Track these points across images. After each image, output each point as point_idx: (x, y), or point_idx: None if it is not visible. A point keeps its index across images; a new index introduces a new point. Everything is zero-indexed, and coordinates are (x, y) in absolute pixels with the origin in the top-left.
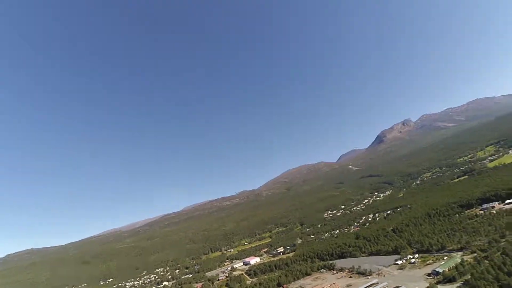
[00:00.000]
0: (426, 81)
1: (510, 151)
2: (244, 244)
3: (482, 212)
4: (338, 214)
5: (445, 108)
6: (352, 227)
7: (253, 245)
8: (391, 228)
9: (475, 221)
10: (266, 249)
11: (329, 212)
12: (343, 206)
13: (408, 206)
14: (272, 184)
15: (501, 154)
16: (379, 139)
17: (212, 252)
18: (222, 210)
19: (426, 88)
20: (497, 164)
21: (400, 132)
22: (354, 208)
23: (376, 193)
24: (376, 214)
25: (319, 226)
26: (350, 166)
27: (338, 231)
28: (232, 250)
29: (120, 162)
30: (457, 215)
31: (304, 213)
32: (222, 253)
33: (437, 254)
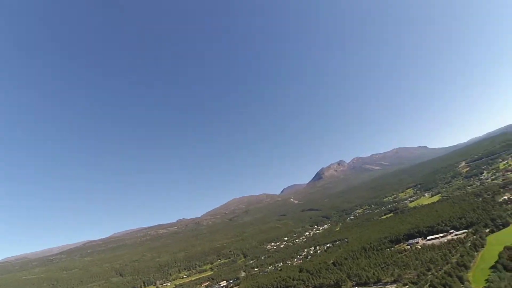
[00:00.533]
0: (358, 130)
1: (425, 194)
2: (183, 277)
3: (409, 247)
4: (282, 246)
5: (372, 154)
6: (295, 259)
7: (193, 278)
8: (332, 261)
9: (404, 255)
10: (207, 283)
11: (273, 243)
12: (286, 238)
13: (346, 240)
14: (213, 214)
15: (418, 196)
16: (318, 176)
17: (144, 286)
18: (157, 238)
19: (358, 136)
20: (416, 205)
21: (336, 171)
22: (297, 240)
23: (316, 226)
24: (317, 247)
25: (262, 258)
26: (292, 199)
27: (281, 263)
28: (168, 284)
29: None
30: (388, 249)
31: (247, 245)
32: (157, 287)
33: (374, 286)
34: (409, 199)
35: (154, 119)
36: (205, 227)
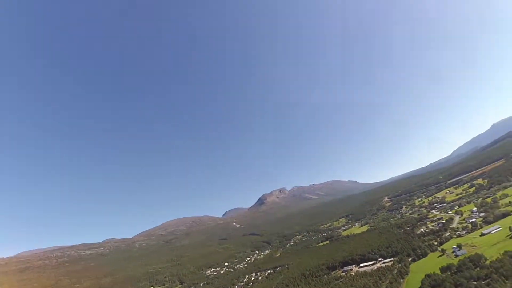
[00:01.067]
0: (298, 161)
1: (356, 224)
2: None
3: (344, 273)
4: (222, 271)
5: (311, 184)
6: (236, 286)
7: None
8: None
9: (341, 281)
10: None
11: (213, 269)
12: (226, 263)
13: (286, 266)
14: (148, 234)
15: (350, 225)
16: (261, 201)
17: None
18: (78, 260)
19: (298, 167)
20: (349, 233)
21: (278, 197)
22: (238, 265)
23: (257, 251)
24: (258, 273)
25: (201, 285)
26: (234, 223)
27: None
28: None
29: None
30: (325, 276)
31: (185, 270)
32: None
33: None
34: (342, 227)
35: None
36: (138, 249)
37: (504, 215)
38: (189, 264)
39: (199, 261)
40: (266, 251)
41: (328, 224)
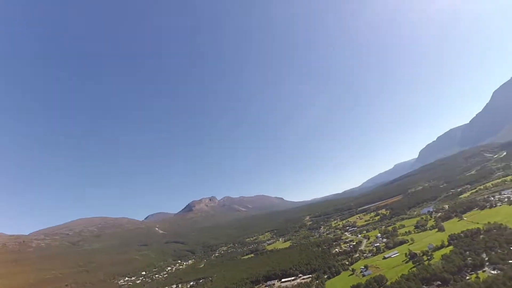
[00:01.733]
0: (231, 172)
1: (280, 239)
2: None
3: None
4: (138, 282)
5: (241, 196)
6: None
7: None
8: None
9: None
10: None
11: (127, 278)
12: (144, 273)
13: (210, 278)
14: (50, 233)
15: (274, 240)
16: (189, 208)
17: None
18: None
19: (231, 177)
20: (273, 248)
21: (207, 206)
22: (157, 275)
23: (179, 261)
24: (180, 285)
25: None
26: (157, 228)
27: None
28: None
29: None
30: None
31: (93, 278)
32: None
33: None
34: (267, 241)
35: None
36: (35, 249)
37: (401, 243)
38: (99, 271)
39: (111, 268)
40: (190, 261)
41: (254, 237)
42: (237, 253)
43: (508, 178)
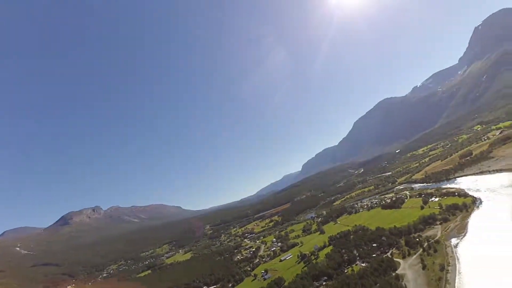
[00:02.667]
0: (119, 178)
1: (180, 251)
2: None
3: None
4: None
5: (132, 205)
6: None
7: None
8: None
9: None
10: None
11: None
12: None
13: None
14: None
15: (174, 252)
16: (64, 221)
17: None
18: None
19: (119, 184)
20: (173, 261)
21: (90, 217)
22: None
23: None
24: None
25: None
26: (18, 248)
27: None
28: None
29: None
30: None
31: None
32: None
33: None
34: (165, 255)
35: None
36: None
37: (293, 245)
38: None
39: None
40: (69, 287)
41: (150, 251)
42: (131, 271)
43: (366, 189)
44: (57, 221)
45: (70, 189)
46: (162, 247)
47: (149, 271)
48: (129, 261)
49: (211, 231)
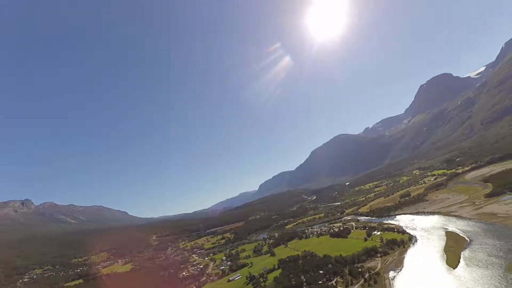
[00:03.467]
0: (58, 169)
1: (119, 261)
2: None
3: None
4: None
5: (70, 203)
6: None
7: None
8: None
9: None
10: None
11: None
12: None
13: None
14: None
15: (112, 261)
16: None
17: None
18: None
19: (56, 177)
20: (110, 271)
21: (17, 211)
22: None
23: None
24: None
25: None
26: None
27: None
28: None
29: None
30: None
31: None
32: None
33: None
34: (102, 263)
35: None
36: None
37: (243, 266)
38: None
39: None
40: None
41: (84, 258)
42: (59, 278)
43: (317, 216)
44: None
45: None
46: (99, 255)
47: (81, 280)
48: (57, 267)
49: (157, 242)
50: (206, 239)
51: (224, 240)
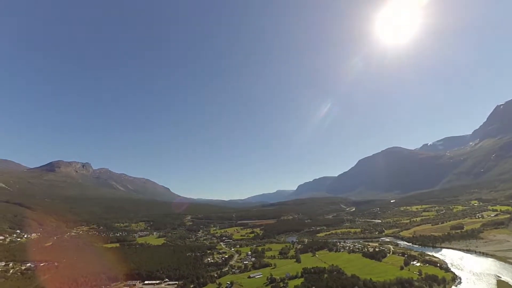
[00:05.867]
0: (114, 141)
1: (154, 233)
2: None
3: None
4: None
5: (122, 172)
6: None
7: None
8: None
9: None
10: None
11: None
12: None
13: (55, 263)
14: None
15: (148, 233)
16: (51, 167)
17: None
18: None
19: (113, 148)
20: (144, 242)
21: (77, 172)
22: None
23: (18, 231)
24: (11, 264)
25: None
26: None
27: None
28: None
29: None
30: (104, 287)
31: None
32: None
33: None
34: (139, 232)
35: None
36: None
37: (266, 265)
38: None
39: None
40: (34, 235)
41: (125, 224)
42: (99, 238)
43: (353, 230)
44: (43, 165)
45: (67, 138)
46: (138, 223)
47: (118, 244)
48: (101, 227)
49: (190, 223)
50: (236, 229)
51: (253, 235)
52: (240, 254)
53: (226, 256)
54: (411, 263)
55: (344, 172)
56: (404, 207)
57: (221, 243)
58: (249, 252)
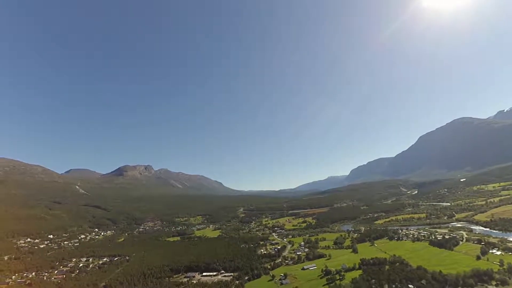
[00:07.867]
0: (171, 144)
1: (210, 226)
2: None
3: (186, 280)
4: (42, 246)
5: (179, 171)
6: (56, 271)
7: None
8: (104, 284)
9: None
10: None
11: (29, 239)
12: (51, 236)
13: (127, 257)
14: None
15: (205, 226)
16: (120, 171)
17: None
18: None
19: (171, 150)
20: (202, 235)
21: (141, 174)
22: (66, 242)
23: (96, 229)
24: (90, 259)
25: (5, 258)
26: (78, 187)
27: (34, 273)
28: None
29: None
30: (167, 279)
31: None
32: None
33: None
34: (197, 226)
35: None
36: None
37: (320, 256)
38: None
39: (11, 224)
40: (109, 232)
41: (184, 218)
42: (163, 232)
43: (416, 215)
44: (114, 171)
45: (130, 145)
46: (196, 217)
47: (179, 238)
48: (164, 223)
49: (243, 215)
50: (288, 219)
51: (305, 224)
52: (292, 245)
53: (279, 247)
54: (490, 251)
55: (402, 152)
56: (478, 186)
57: (273, 233)
58: (302, 243)
